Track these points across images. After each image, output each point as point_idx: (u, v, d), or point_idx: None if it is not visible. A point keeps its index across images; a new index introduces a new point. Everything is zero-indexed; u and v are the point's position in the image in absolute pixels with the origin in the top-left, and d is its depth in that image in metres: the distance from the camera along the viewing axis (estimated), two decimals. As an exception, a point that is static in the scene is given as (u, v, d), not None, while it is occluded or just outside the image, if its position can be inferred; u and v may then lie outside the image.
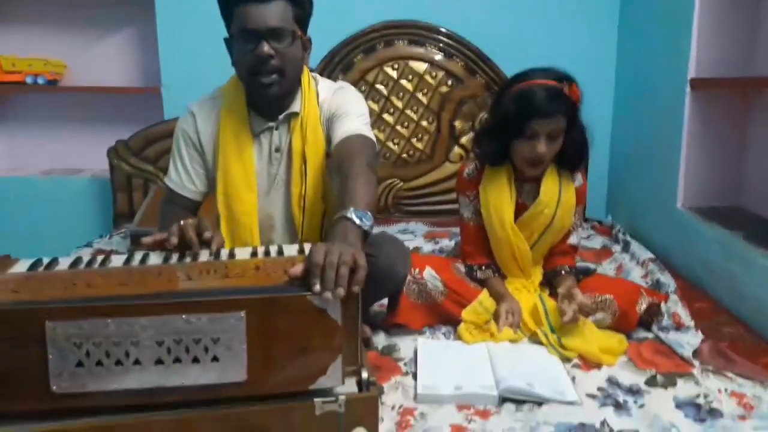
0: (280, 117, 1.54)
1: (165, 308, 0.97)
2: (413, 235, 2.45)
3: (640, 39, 2.51)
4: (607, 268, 2.08)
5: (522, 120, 1.53)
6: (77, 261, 1.17)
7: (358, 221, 1.19)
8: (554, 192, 1.65)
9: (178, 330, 0.97)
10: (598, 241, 2.37)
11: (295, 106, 1.54)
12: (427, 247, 2.29)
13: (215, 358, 0.99)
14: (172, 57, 2.70)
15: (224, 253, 1.23)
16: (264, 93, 1.47)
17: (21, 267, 1.14)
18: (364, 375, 1.08)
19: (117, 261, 1.18)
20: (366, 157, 1.41)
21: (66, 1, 2.80)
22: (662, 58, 2.26)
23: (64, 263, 1.17)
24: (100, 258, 1.19)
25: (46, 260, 1.18)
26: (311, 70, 2.58)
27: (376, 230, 2.44)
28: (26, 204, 2.81)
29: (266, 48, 1.41)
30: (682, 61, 2.05)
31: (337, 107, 1.54)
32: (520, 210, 1.66)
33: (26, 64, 2.77)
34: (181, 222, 1.26)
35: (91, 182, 2.83)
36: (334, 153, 1.48)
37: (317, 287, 1.00)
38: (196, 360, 0.98)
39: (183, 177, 1.58)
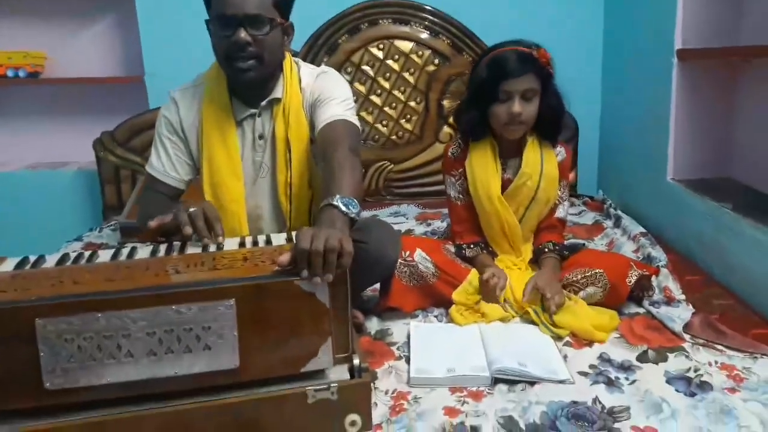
0: (263, 103, 1.52)
1: (155, 300, 0.97)
2: (405, 218, 2.45)
3: (627, 11, 2.49)
4: (598, 243, 2.09)
5: (495, 83, 1.57)
6: (64, 258, 1.16)
7: (344, 209, 1.18)
8: (536, 163, 1.67)
9: (169, 320, 0.98)
10: (589, 217, 2.37)
11: (277, 92, 1.53)
12: (419, 229, 2.28)
13: (207, 347, 1.00)
14: (155, 44, 2.66)
15: (212, 245, 1.23)
16: (241, 78, 1.45)
17: (7, 266, 1.13)
18: (356, 361, 1.08)
19: (104, 256, 1.18)
20: (350, 142, 1.40)
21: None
22: (649, 29, 2.24)
23: (51, 260, 1.16)
24: (87, 254, 1.19)
25: (32, 258, 1.17)
26: (295, 54, 2.59)
27: (368, 214, 2.50)
28: (14, 199, 2.77)
29: (243, 35, 1.39)
30: (668, 32, 2.03)
31: (320, 92, 1.53)
32: (505, 185, 1.67)
33: (5, 57, 2.73)
34: (190, 210, 1.26)
35: (78, 175, 2.81)
36: (318, 139, 1.47)
37: (305, 273, 1.00)
38: (188, 349, 0.99)
39: (165, 164, 1.56)
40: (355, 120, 1.51)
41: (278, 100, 1.52)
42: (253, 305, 1.00)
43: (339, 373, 1.08)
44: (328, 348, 1.05)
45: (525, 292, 1.55)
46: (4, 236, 2.77)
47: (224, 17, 1.39)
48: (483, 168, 1.67)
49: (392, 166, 2.70)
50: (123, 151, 2.63)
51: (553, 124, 1.68)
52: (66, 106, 2.88)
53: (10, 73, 2.72)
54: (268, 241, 1.25)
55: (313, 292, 1.02)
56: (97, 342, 0.95)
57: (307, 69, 1.60)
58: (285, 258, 1.03)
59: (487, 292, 1.56)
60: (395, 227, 2.27)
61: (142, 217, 1.49)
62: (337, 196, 1.20)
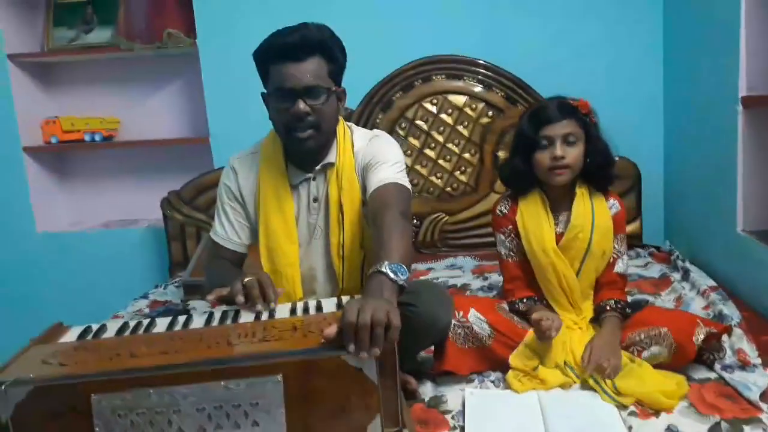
0: (317, 168, 1.56)
1: (204, 376, 0.99)
2: (461, 271, 2.42)
3: (687, 59, 2.42)
4: (665, 299, 1.99)
5: (536, 131, 1.60)
6: (123, 327, 1.20)
7: (392, 275, 1.19)
8: (586, 214, 1.63)
9: (217, 397, 0.99)
10: (656, 270, 2.27)
11: (331, 157, 1.56)
12: (476, 283, 2.25)
13: (255, 423, 1.01)
14: (219, 107, 2.79)
15: (265, 312, 1.25)
16: (301, 148, 1.50)
17: (71, 336, 1.18)
18: (406, 435, 1.06)
19: (161, 325, 1.21)
20: (400, 206, 1.41)
21: (117, 60, 2.94)
22: (710, 76, 2.17)
23: (111, 329, 1.21)
24: (145, 323, 1.23)
25: (95, 327, 1.22)
26: (351, 112, 2.66)
27: (423, 267, 2.48)
28: (87, 256, 2.93)
29: (302, 106, 1.44)
30: (732, 79, 1.96)
31: (372, 156, 1.55)
32: (558, 240, 1.64)
33: (84, 123, 2.92)
34: (245, 279, 1.29)
35: (147, 232, 2.94)
36: (369, 202, 1.49)
37: (351, 347, 1.00)
38: (237, 426, 1.00)
39: (228, 230, 1.61)
40: (406, 183, 1.52)
41: (332, 164, 1.56)
42: (301, 381, 1.00)
43: (389, 448, 1.06)
44: (377, 426, 1.03)
45: (583, 357, 1.49)
46: (80, 292, 2.93)
47: (283, 90, 1.45)
48: (535, 221, 1.64)
49: (447, 217, 2.69)
50: (189, 209, 2.74)
51: (602, 172, 1.65)
52: (137, 167, 3.05)
53: (87, 138, 2.91)
54: (319, 308, 1.25)
55: (361, 368, 1.01)
56: (149, 417, 0.97)
57: (359, 133, 1.63)
58: (332, 330, 1.03)
59: (541, 334, 1.50)
60: (451, 281, 2.30)
61: (209, 284, 1.54)
62: (386, 263, 1.21)
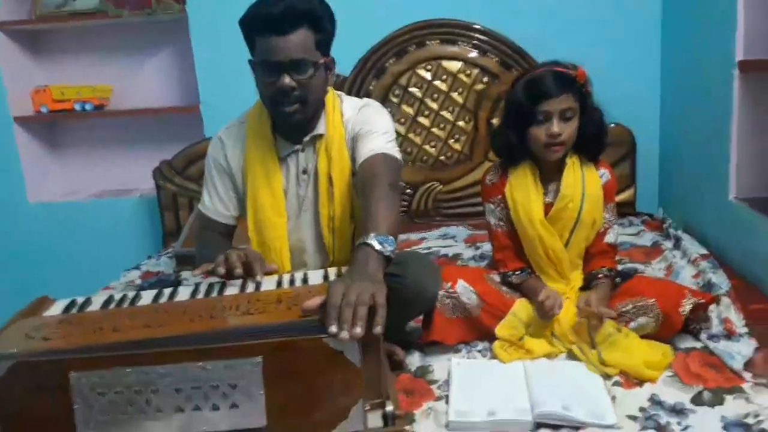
0: (306, 139, 1.54)
1: (182, 356, 0.98)
2: (454, 240, 2.42)
3: (685, 21, 2.37)
4: (656, 267, 1.99)
5: (533, 104, 1.55)
6: (109, 300, 1.20)
7: (379, 247, 1.18)
8: (577, 184, 1.62)
9: (195, 377, 0.98)
10: (648, 238, 2.27)
11: (320, 128, 1.54)
12: (468, 252, 2.25)
13: (234, 405, 1.00)
14: (209, 74, 2.75)
15: (251, 284, 1.25)
16: (287, 121, 1.48)
17: (57, 309, 1.18)
18: (389, 408, 1.06)
19: (146, 298, 1.21)
20: (389, 177, 1.39)
21: (106, 27, 2.89)
22: (708, 39, 2.13)
23: (96, 302, 1.20)
24: (131, 295, 1.23)
25: (80, 300, 1.22)
26: (344, 79, 2.61)
27: (416, 236, 2.48)
28: (80, 227, 2.93)
29: (288, 81, 1.41)
30: (728, 43, 1.92)
31: (361, 126, 1.53)
32: (547, 210, 1.63)
33: (74, 92, 2.89)
34: (229, 253, 1.29)
35: (140, 202, 2.93)
36: (359, 173, 1.47)
37: (333, 328, 0.98)
38: (215, 407, 1.00)
39: (216, 203, 1.60)
40: (395, 153, 1.50)
41: (321, 135, 1.54)
42: (281, 363, 0.99)
43: (372, 420, 1.06)
44: (359, 410, 1.01)
45: (579, 304, 1.48)
46: (73, 263, 2.93)
47: (269, 63, 1.41)
48: (524, 192, 1.63)
49: (441, 186, 2.68)
50: (181, 179, 2.72)
51: (595, 143, 1.63)
52: (129, 136, 3.02)
53: (77, 107, 2.88)
54: (305, 280, 1.25)
55: (342, 351, 1.00)
56: (128, 396, 0.97)
57: (349, 102, 1.60)
58: (312, 303, 1.02)
59: (544, 312, 1.50)
60: (443, 250, 2.30)
61: (198, 257, 1.54)
62: (372, 234, 1.20)
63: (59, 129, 3.07)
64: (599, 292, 1.54)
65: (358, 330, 0.98)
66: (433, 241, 2.44)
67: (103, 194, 3.01)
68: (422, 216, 2.70)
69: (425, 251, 2.32)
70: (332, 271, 1.26)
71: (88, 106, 2.87)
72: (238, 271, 1.25)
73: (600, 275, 1.61)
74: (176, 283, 2.00)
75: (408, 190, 2.68)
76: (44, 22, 2.84)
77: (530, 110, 1.56)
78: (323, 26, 1.45)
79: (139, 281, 2.24)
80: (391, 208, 1.31)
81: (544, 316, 1.51)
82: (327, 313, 0.99)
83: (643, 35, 2.59)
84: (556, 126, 1.54)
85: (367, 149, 1.47)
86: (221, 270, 1.25)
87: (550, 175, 1.65)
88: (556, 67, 1.57)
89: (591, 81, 1.60)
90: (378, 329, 1.01)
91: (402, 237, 2.51)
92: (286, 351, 0.99)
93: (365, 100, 1.63)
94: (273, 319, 1.05)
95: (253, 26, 1.43)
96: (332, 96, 1.57)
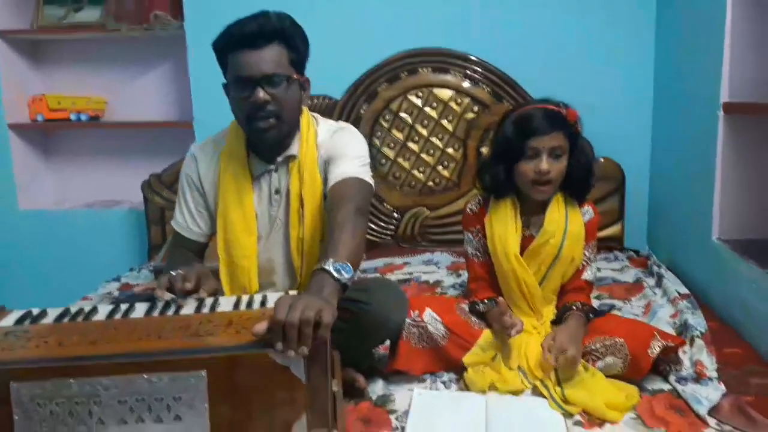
0: (279, 159, 1.54)
1: (126, 368, 0.98)
2: (437, 267, 2.40)
3: (676, 62, 2.38)
4: (635, 305, 1.96)
5: (522, 140, 1.54)
6: (64, 313, 1.19)
7: (336, 274, 1.17)
8: (560, 221, 1.61)
9: (140, 389, 0.98)
10: (631, 274, 2.24)
11: (294, 149, 1.54)
12: (449, 280, 2.23)
13: (178, 417, 0.99)
14: (204, 91, 2.76)
15: (208, 303, 1.24)
16: (262, 138, 1.48)
17: (8, 321, 1.17)
18: (333, 437, 1.05)
19: (101, 313, 1.20)
20: (356, 202, 1.39)
21: (105, 40, 2.92)
22: (696, 80, 2.13)
23: (52, 315, 1.19)
24: (87, 309, 1.21)
25: (36, 311, 1.20)
26: (335, 102, 2.63)
27: (400, 261, 2.46)
28: (69, 236, 2.93)
29: (261, 94, 1.41)
30: (714, 84, 1.92)
31: (334, 149, 1.53)
32: (528, 242, 1.62)
33: (70, 102, 2.92)
34: (172, 273, 1.28)
35: (129, 214, 2.93)
36: (328, 196, 1.47)
37: (279, 345, 0.98)
38: (159, 419, 0.99)
39: (188, 219, 1.60)
40: (367, 178, 1.49)
41: (294, 156, 1.53)
42: (225, 377, 0.99)
43: (317, 449, 1.04)
44: (303, 424, 1.02)
45: (544, 344, 1.46)
46: (59, 271, 2.93)
47: (242, 79, 1.42)
48: (503, 225, 1.62)
49: (428, 212, 2.67)
50: (169, 193, 2.73)
51: (581, 184, 1.63)
52: (122, 148, 3.04)
53: (73, 117, 2.90)
54: (263, 302, 1.24)
55: (288, 366, 1.00)
56: (69, 407, 0.96)
57: (325, 125, 1.60)
58: (261, 327, 1.01)
59: (501, 330, 1.49)
60: (424, 276, 2.28)
61: (166, 272, 1.53)
62: (330, 260, 1.19)
63: (53, 137, 3.10)
64: (570, 326, 1.52)
65: (305, 349, 0.98)
66: (416, 266, 2.43)
67: (93, 204, 3.02)
68: (408, 240, 2.69)
69: (407, 276, 2.30)
70: (293, 293, 1.25)
71: (83, 117, 2.89)
72: (179, 287, 1.25)
73: (574, 308, 1.59)
74: (152, 298, 1.99)
75: (395, 215, 2.68)
76: (45, 32, 2.88)
77: (519, 146, 1.55)
78: (296, 45, 1.46)
79: (116, 293, 2.23)
80: (355, 233, 1.31)
81: (500, 333, 1.50)
82: (272, 329, 0.98)
83: (636, 70, 2.60)
84: (545, 163, 1.53)
85: (339, 172, 1.47)
86: (159, 293, 1.25)
87: (533, 208, 1.64)
88: (548, 105, 1.57)
89: (582, 121, 1.60)
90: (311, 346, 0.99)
91: (386, 260, 2.51)
92: (232, 365, 0.98)
93: (341, 123, 1.63)
94: (219, 342, 1.04)
95: (227, 44, 1.44)
96: (307, 117, 1.57)
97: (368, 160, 1.55)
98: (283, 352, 0.99)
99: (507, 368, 1.49)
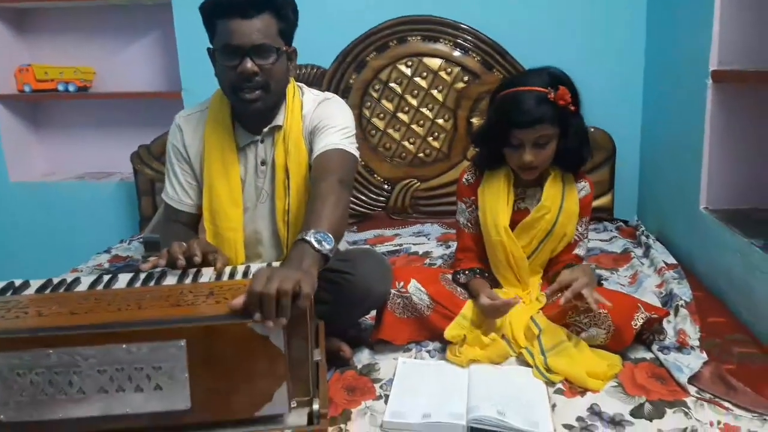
0: (265, 130, 1.53)
1: (106, 338, 0.98)
2: (426, 238, 2.40)
3: (667, 30, 2.35)
4: (622, 275, 1.97)
5: (506, 128, 1.51)
6: (46, 284, 1.19)
7: (316, 245, 1.17)
8: (557, 197, 1.59)
9: (119, 359, 0.98)
10: (619, 244, 2.25)
11: (279, 120, 1.53)
12: (438, 251, 2.23)
13: (158, 387, 1.00)
14: (192, 61, 2.73)
15: (191, 274, 1.24)
16: (248, 108, 1.46)
17: (-10, 292, 1.17)
18: (315, 406, 1.06)
19: (84, 284, 1.20)
20: (340, 173, 1.38)
21: (93, 9, 2.87)
22: (686, 49, 2.10)
23: (35, 285, 1.20)
24: (70, 279, 1.22)
25: (18, 282, 1.21)
26: (324, 72, 2.59)
27: (391, 233, 2.46)
28: (60, 208, 2.93)
29: (249, 65, 1.39)
30: (703, 52, 1.90)
31: (319, 120, 1.51)
32: (522, 215, 1.61)
33: (57, 72, 2.88)
34: (173, 246, 1.27)
35: (120, 186, 2.92)
36: (312, 167, 1.46)
37: (257, 316, 0.99)
38: (139, 388, 1.00)
39: (178, 191, 1.59)
40: (352, 149, 1.49)
41: (279, 127, 1.52)
42: (205, 347, 0.99)
43: (298, 418, 1.05)
44: (283, 393, 1.02)
45: (561, 279, 1.44)
46: (51, 243, 2.93)
47: (230, 47, 1.40)
48: (494, 197, 1.61)
49: (419, 183, 2.66)
50: (158, 164, 2.71)
51: (574, 159, 1.59)
52: (111, 119, 3.01)
53: (60, 88, 2.87)
54: (246, 273, 1.24)
55: (267, 336, 1.01)
56: (48, 377, 0.96)
57: (310, 95, 1.59)
58: (237, 302, 1.01)
59: (492, 312, 1.49)
60: (414, 247, 2.28)
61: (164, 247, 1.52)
62: (312, 231, 1.19)
63: (42, 109, 3.06)
64: (579, 266, 1.52)
65: (283, 319, 0.99)
66: (406, 238, 2.43)
67: (84, 176, 3.00)
68: (399, 212, 2.68)
69: (397, 247, 2.31)
70: (276, 265, 1.25)
71: (71, 87, 2.86)
72: (181, 262, 1.24)
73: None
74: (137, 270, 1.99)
75: (386, 186, 2.67)
76: (30, 0, 2.83)
77: (504, 133, 1.52)
78: (286, 15, 1.44)
79: (106, 265, 2.24)
80: (337, 205, 1.30)
81: (489, 313, 1.50)
82: (249, 299, 0.99)
83: (627, 39, 2.56)
84: (527, 155, 1.50)
85: (323, 144, 1.46)
86: (163, 262, 1.24)
87: (530, 181, 1.62)
88: (536, 87, 1.48)
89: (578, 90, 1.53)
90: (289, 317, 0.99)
91: (376, 232, 2.51)
92: (211, 335, 0.99)
93: (327, 93, 1.61)
94: (198, 312, 1.04)
95: (216, 10, 1.41)
96: (293, 87, 1.56)
97: (354, 132, 1.54)
98: (262, 322, 0.99)
99: (490, 338, 1.50)
